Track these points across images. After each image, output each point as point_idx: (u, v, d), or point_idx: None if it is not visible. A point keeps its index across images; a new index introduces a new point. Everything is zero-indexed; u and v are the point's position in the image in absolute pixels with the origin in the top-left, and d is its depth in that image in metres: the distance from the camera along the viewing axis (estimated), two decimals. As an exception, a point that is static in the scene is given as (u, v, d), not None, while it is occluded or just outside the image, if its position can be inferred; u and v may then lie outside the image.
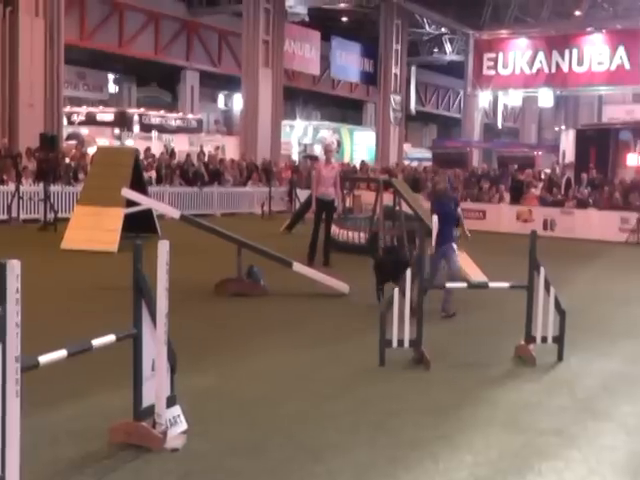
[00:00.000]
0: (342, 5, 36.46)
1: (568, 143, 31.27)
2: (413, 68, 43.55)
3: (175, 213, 11.42)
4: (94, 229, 14.45)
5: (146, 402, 5.00)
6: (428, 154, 42.27)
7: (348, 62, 41.02)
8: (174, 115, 34.74)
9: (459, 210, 10.22)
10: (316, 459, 4.95)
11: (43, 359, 4.04)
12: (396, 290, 7.20)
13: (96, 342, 4.54)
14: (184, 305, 8.42)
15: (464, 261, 12.41)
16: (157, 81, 38.41)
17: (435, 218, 9.59)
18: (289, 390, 6.44)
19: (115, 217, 14.72)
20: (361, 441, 5.30)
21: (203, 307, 9.73)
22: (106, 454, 4.89)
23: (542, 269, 7.53)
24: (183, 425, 5.23)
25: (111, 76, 37.56)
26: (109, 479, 4.57)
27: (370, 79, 41.18)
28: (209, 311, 9.59)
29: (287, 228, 19.28)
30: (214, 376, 6.70)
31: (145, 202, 13.38)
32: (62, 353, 4.18)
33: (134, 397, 4.98)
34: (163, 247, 5.06)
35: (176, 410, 5.22)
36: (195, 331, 8.06)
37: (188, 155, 27.36)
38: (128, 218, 14.99)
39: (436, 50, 43.74)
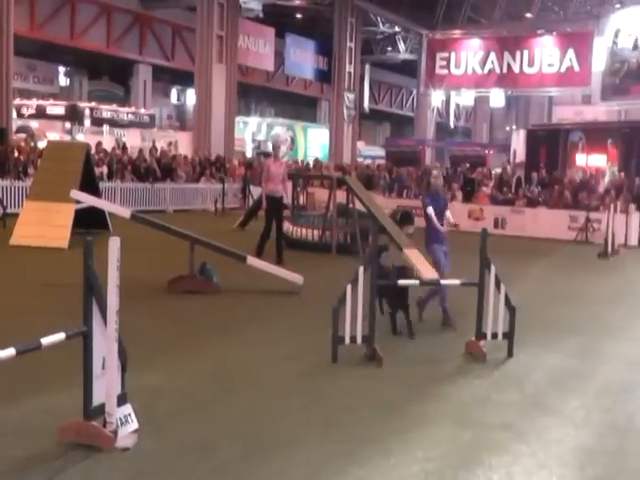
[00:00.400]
0: (297, 2, 36.49)
1: (519, 143, 31.64)
2: (367, 66, 43.72)
3: (125, 213, 11.28)
4: (44, 225, 14.19)
5: (96, 401, 4.94)
6: (381, 152, 42.49)
7: (302, 59, 41.02)
8: (126, 109, 34.32)
9: (447, 212, 10.48)
10: (268, 457, 4.95)
11: (-8, 357, 3.98)
12: (348, 287, 7.21)
13: (45, 340, 4.48)
14: (136, 302, 8.32)
15: (416, 258, 12.51)
16: (109, 75, 37.89)
17: (430, 210, 10.09)
18: (241, 388, 6.42)
19: (65, 213, 14.49)
20: (313, 438, 5.32)
21: (155, 304, 9.64)
22: (55, 454, 4.82)
23: (493, 267, 7.63)
24: (134, 424, 5.18)
25: (62, 69, 36.91)
26: (58, 479, 4.52)
27: (324, 76, 41.23)
28: (161, 309, 9.51)
29: (240, 225, 19.23)
30: (166, 374, 6.65)
31: (94, 203, 13.19)
32: (10, 352, 4.11)
33: (84, 396, 4.91)
34: (114, 244, 5.00)
35: (127, 409, 5.16)
36: (147, 329, 7.98)
37: (140, 150, 27.07)
38: (79, 214, 14.76)
39: (390, 49, 43.97)
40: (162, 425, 5.38)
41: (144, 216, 10.02)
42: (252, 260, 11.13)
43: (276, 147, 15.66)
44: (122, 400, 5.12)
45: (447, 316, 9.26)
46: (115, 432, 4.97)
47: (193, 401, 6.00)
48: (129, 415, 5.16)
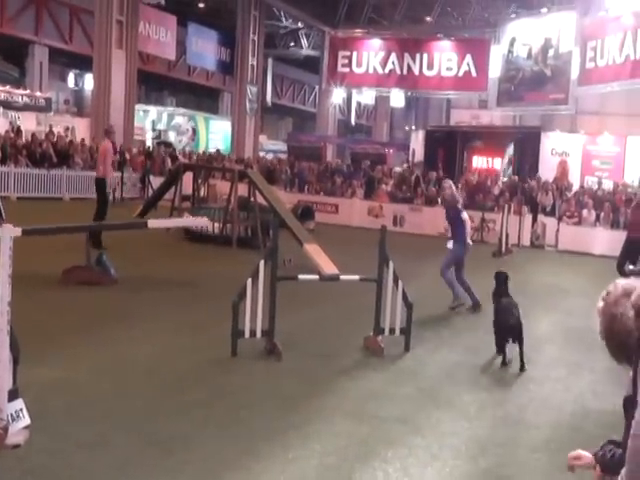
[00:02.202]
0: (200, -9, 36.07)
1: (418, 143, 32.24)
2: (270, 60, 43.63)
3: (16, 231, 10.87)
4: None
5: (-14, 395, 4.74)
6: (284, 147, 42.52)
7: (205, 50, 40.52)
8: (21, 92, 33.07)
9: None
10: (165, 453, 4.88)
11: None
12: (249, 280, 7.19)
13: None
14: (28, 293, 8.05)
15: (316, 253, 12.59)
16: (3, 54, 36.40)
17: (465, 215, 10.86)
18: (139, 382, 6.31)
19: (-47, 198, 13.90)
20: (212, 433, 5.28)
21: (49, 296, 9.34)
22: (-60, 450, 4.61)
23: (391, 263, 7.76)
24: (26, 420, 4.98)
25: (-49, 47, 35.30)
26: (-57, 477, 4.33)
27: (227, 68, 40.88)
28: (55, 300, 9.23)
29: (140, 214, 18.85)
30: (60, 368, 6.47)
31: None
32: None
33: (-27, 389, 4.71)
34: (7, 231, 4.80)
35: (18, 404, 4.95)
36: (40, 321, 7.74)
37: (33, 134, 26.18)
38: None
39: (293, 44, 44.01)
40: (56, 421, 5.23)
41: (34, 227, 9.59)
42: (153, 222, 11.19)
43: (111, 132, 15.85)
44: (13, 395, 4.91)
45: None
46: (5, 428, 4.77)
47: (88, 396, 5.86)
48: (21, 410, 4.95)
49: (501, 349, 7.78)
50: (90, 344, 7.36)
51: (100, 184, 14.73)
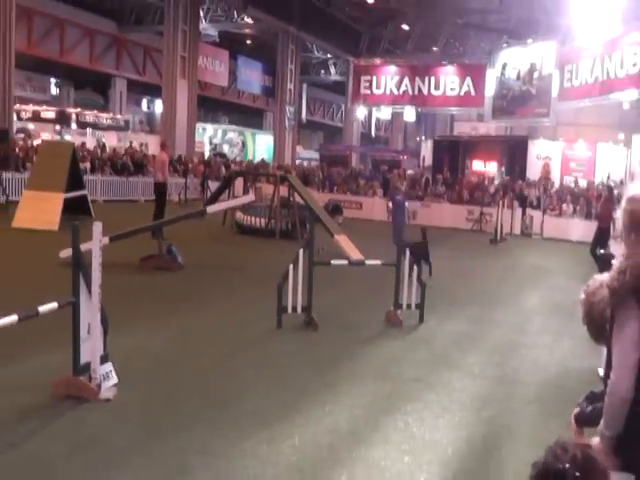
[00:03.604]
0: (247, 30, 36.03)
1: (427, 150, 31.97)
2: (304, 85, 43.48)
3: (104, 240, 10.96)
4: (39, 211, 13.84)
5: (83, 360, 4.82)
6: (316, 155, 42.38)
7: (251, 77, 40.59)
8: (105, 115, 33.45)
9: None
10: (224, 407, 4.90)
11: (-2, 323, 3.84)
12: (291, 265, 7.19)
13: (42, 309, 4.34)
14: (115, 277, 8.13)
15: (344, 243, 12.56)
16: (92, 86, 36.79)
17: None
18: (199, 350, 6.33)
19: (56, 201, 14.20)
20: (261, 391, 5.29)
21: (130, 279, 9.42)
22: (51, 404, 4.69)
23: (407, 250, 7.70)
24: (114, 379, 5.07)
25: (53, 80, 35.67)
26: (53, 426, 4.39)
27: (269, 92, 40.87)
28: (135, 283, 9.31)
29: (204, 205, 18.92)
30: (139, 338, 6.52)
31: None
32: (13, 318, 3.97)
33: (73, 356, 4.79)
34: (97, 228, 4.86)
35: (108, 366, 5.05)
36: (124, 299, 7.81)
37: (115, 149, 26.41)
38: (67, 202, 14.42)
39: (323, 71, 43.82)
40: (136, 380, 5.27)
41: (118, 233, 9.72)
42: (211, 208, 11.42)
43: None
44: (104, 359, 5.01)
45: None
46: (99, 386, 4.86)
47: (160, 361, 5.90)
48: (110, 372, 5.05)
49: (418, 264, 9.13)
50: (163, 318, 7.42)
51: (161, 188, 14.97)
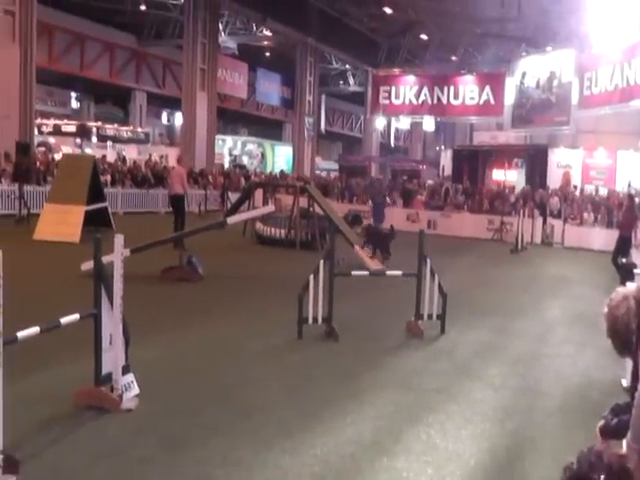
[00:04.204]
0: (265, 43, 36.28)
1: (446, 160, 31.91)
2: (323, 96, 43.64)
3: (125, 252, 11.07)
4: (60, 223, 14.00)
5: (105, 370, 4.85)
6: (335, 166, 42.46)
7: (270, 89, 40.83)
8: (125, 128, 33.87)
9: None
10: (246, 417, 4.90)
11: (21, 335, 3.88)
12: (311, 276, 7.19)
13: (64, 320, 4.38)
14: (136, 288, 8.13)
15: (365, 253, 12.55)
16: (112, 100, 37.30)
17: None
18: (221, 360, 6.34)
19: (77, 213, 14.36)
20: (283, 401, 5.28)
21: (151, 290, 9.48)
22: (73, 414, 4.72)
23: (428, 260, 7.66)
24: (135, 389, 5.10)
25: (74, 94, 36.26)
26: (76, 435, 4.42)
27: (288, 103, 41.08)
28: (156, 293, 9.38)
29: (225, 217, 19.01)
30: (161, 348, 6.55)
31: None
32: (35, 330, 4.01)
33: (95, 366, 4.82)
34: (119, 240, 4.90)
35: (130, 377, 5.08)
36: (145, 310, 7.85)
37: (135, 162, 26.70)
38: (88, 214, 14.58)
39: (342, 82, 43.97)
40: (157, 391, 5.29)
41: (139, 246, 9.84)
42: (231, 219, 11.57)
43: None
44: (126, 370, 5.04)
45: None
46: (120, 396, 4.89)
47: (182, 371, 5.92)
48: (131, 382, 5.08)
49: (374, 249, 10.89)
50: (184, 328, 7.45)
51: (180, 200, 15.25)
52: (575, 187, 24.88)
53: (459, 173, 28.23)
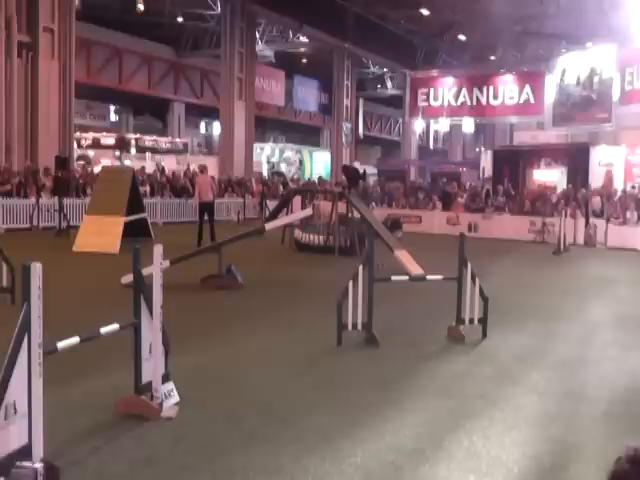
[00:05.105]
0: (302, 49, 36.49)
1: (487, 161, 31.49)
2: (361, 100, 43.62)
3: (165, 264, 11.22)
4: (100, 234, 14.24)
5: (145, 379, 4.92)
6: (374, 170, 42.34)
7: (307, 95, 41.02)
8: (164, 139, 34.41)
9: None
10: (286, 425, 4.91)
11: (61, 345, 3.97)
12: (350, 282, 7.18)
13: (103, 330, 4.46)
14: (176, 297, 8.29)
15: (404, 258, 12.48)
16: (150, 111, 37.97)
17: None
18: (260, 367, 6.38)
19: (116, 224, 14.58)
20: (322, 409, 5.28)
21: (191, 299, 9.61)
22: (113, 423, 4.81)
23: (469, 263, 7.59)
24: (175, 398, 5.16)
25: (112, 107, 37.04)
26: (116, 443, 4.50)
27: (326, 109, 41.21)
28: (196, 302, 9.49)
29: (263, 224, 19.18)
30: (201, 357, 6.62)
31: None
32: (75, 340, 4.10)
33: (135, 375, 4.89)
34: (158, 250, 4.98)
35: (170, 385, 5.15)
36: (185, 319, 7.95)
37: (174, 172, 27.13)
38: (127, 225, 14.81)
39: (379, 86, 43.92)
40: (197, 399, 5.35)
41: (179, 256, 10.06)
42: (269, 225, 11.66)
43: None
44: (165, 378, 5.11)
45: None
46: (161, 404, 4.96)
47: (221, 379, 5.97)
48: (171, 390, 5.15)
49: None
50: (223, 337, 7.52)
51: (212, 207, 16.20)
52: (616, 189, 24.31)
53: (500, 174, 27.85)
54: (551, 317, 9.16)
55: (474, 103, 34.91)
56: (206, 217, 16.18)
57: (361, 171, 18.77)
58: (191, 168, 29.16)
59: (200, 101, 36.81)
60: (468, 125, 36.30)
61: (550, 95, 31.14)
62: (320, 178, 32.72)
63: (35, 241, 16.21)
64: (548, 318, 9.06)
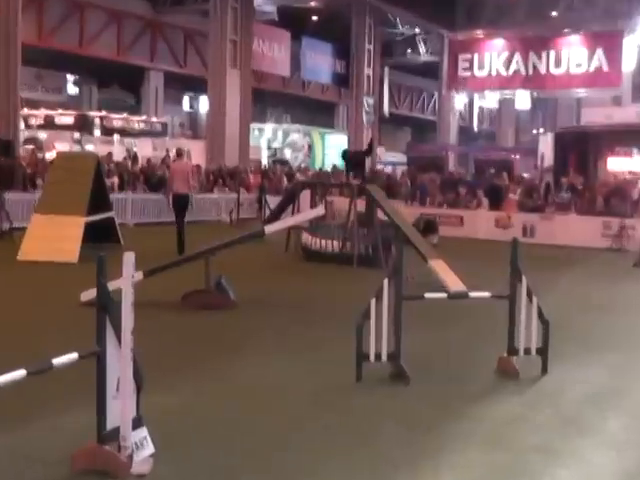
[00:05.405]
0: (312, 3, 36.50)
1: (547, 146, 31.48)
2: (386, 69, 43.77)
3: (137, 275, 11.25)
4: (53, 239, 14.20)
5: (111, 424, 4.88)
6: (403, 158, 42.42)
7: (319, 63, 41.14)
8: (137, 118, 34.60)
9: None
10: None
11: (1, 379, 3.94)
12: (373, 300, 7.14)
13: (57, 361, 4.44)
14: (150, 319, 8.29)
15: (441, 270, 12.45)
16: (119, 82, 38.19)
17: None
18: (260, 408, 6.35)
19: (75, 226, 14.56)
20: (339, 460, 5.23)
21: (170, 321, 9.60)
22: (69, 480, 4.78)
23: (524, 277, 7.53)
24: (150, 448, 5.12)
25: (71, 77, 37.25)
26: (72, 508, 4.48)
27: (342, 80, 41.34)
28: (177, 325, 9.47)
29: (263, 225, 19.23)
30: (183, 394, 6.60)
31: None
32: (21, 373, 4.08)
33: (98, 419, 4.85)
34: (128, 259, 4.95)
35: (142, 432, 5.11)
36: (163, 347, 7.95)
37: (149, 160, 27.22)
38: (89, 227, 14.83)
39: (410, 51, 44.00)
40: (180, 449, 5.31)
41: (155, 266, 10.02)
42: (269, 228, 11.54)
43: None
44: (137, 423, 5.07)
45: None
46: (130, 457, 4.92)
47: (210, 423, 5.94)
48: (145, 439, 5.11)
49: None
50: (211, 369, 7.50)
51: (186, 202, 16.30)
52: None
53: (563, 163, 27.80)
54: (632, 348, 9.08)
55: (530, 72, 34.94)
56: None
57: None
58: (171, 155, 29.30)
59: (183, 70, 37.00)
60: (522, 100, 36.33)
61: (630, 61, 31.05)
62: (334, 168, 32.75)
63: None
64: (628, 349, 8.98)
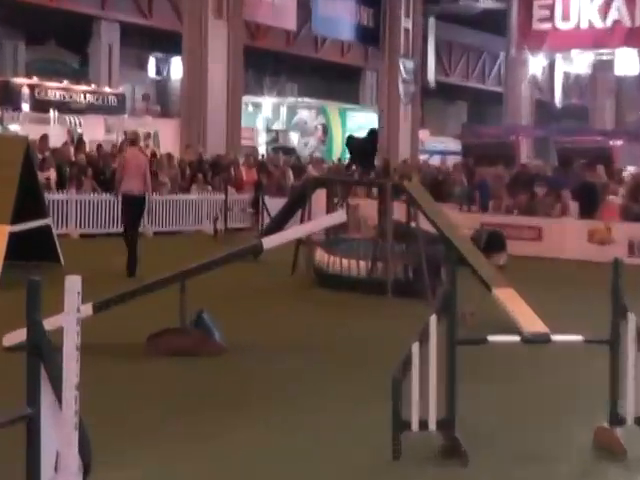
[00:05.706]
0: None
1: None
2: (431, 21, 43.88)
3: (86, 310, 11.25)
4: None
5: (47, 517, 4.88)
6: (456, 145, 42.42)
7: (337, 13, 41.07)
8: (83, 88, 34.69)
9: None
10: None
11: None
12: (415, 345, 7.11)
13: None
14: (102, 371, 8.31)
15: (512, 302, 12.42)
16: (57, 38, 38.26)
17: None
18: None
19: (-5, 237, 14.67)
20: None
21: (131, 373, 9.60)
22: None
23: (631, 315, 7.48)
24: None
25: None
26: None
27: (369, 37, 41.36)
28: (140, 378, 9.48)
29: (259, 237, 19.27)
30: (148, 474, 6.60)
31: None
32: None
33: (29, 510, 4.85)
34: (73, 286, 4.93)
35: (91, 530, 5.10)
36: (118, 409, 7.97)
37: (100, 146, 27.31)
38: (16, 239, 14.86)
39: (463, -4, 44.23)
40: None
41: (110, 296, 10.04)
42: (268, 242, 11.77)
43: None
44: (83, 516, 5.06)
45: None
46: None
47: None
48: (95, 540, 5.10)
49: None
50: (187, 439, 7.46)
51: (142, 205, 16.74)
52: None
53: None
54: None
55: (636, 23, 34.91)
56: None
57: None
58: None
59: (148, 21, 37.18)
60: (626, 63, 36.34)
61: None
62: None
63: None
64: None
